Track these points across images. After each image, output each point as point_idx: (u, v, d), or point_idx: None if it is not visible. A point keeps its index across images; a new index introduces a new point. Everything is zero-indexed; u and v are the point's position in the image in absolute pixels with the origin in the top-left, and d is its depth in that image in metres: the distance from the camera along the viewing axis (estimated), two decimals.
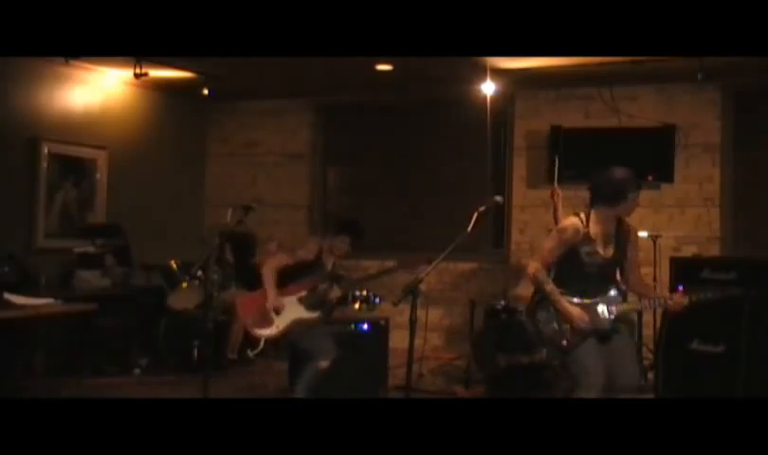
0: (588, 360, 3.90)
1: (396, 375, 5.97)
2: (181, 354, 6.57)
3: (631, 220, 4.10)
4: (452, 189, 8.04)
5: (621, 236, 4.02)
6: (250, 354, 5.49)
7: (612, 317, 3.95)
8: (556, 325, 3.97)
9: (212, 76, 7.44)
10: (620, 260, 4.03)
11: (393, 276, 5.29)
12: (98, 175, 7.64)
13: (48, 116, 7.16)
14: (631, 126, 7.18)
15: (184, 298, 6.71)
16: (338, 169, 8.91)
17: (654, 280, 6.23)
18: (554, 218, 6.27)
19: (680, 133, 7.07)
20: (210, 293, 5.33)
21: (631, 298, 4.11)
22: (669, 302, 4.03)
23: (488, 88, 7.02)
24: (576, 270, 3.96)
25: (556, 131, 7.31)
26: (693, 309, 3.98)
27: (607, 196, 3.93)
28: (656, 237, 6.36)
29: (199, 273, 6.47)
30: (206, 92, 7.94)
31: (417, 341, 3.93)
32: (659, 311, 5.42)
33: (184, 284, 6.75)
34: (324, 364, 4.83)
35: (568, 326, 3.93)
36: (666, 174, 7.01)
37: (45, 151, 7.08)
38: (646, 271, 5.68)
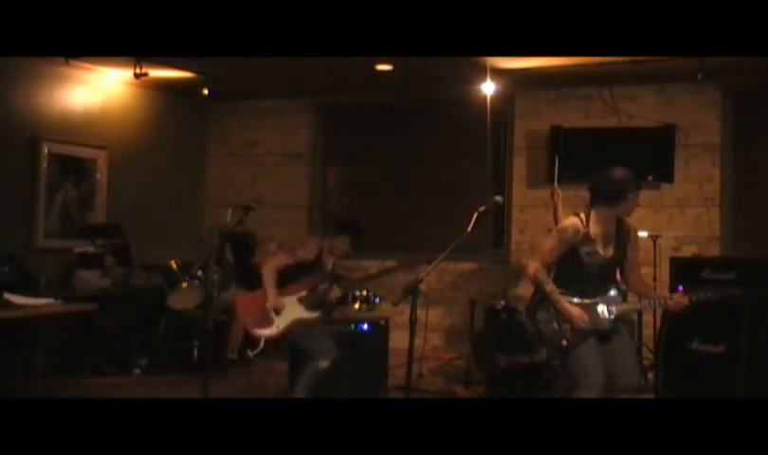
0: (588, 360, 3.90)
1: (396, 375, 5.96)
2: (181, 354, 6.57)
3: (631, 220, 4.10)
4: (452, 189, 8.04)
5: (621, 236, 4.02)
6: (250, 354, 5.48)
7: (612, 317, 3.95)
8: (556, 325, 3.97)
9: (212, 76, 7.43)
10: (620, 260, 4.03)
11: (393, 276, 5.29)
12: (98, 175, 7.64)
13: (48, 116, 7.16)
14: (631, 126, 7.18)
15: (184, 298, 6.71)
16: (338, 169, 8.91)
17: (654, 280, 6.23)
18: (554, 218, 6.27)
19: (680, 133, 7.07)
20: (210, 293, 5.34)
21: (631, 298, 4.11)
22: (669, 302, 4.03)
23: (488, 88, 7.02)
24: (576, 270, 3.96)
25: (556, 131, 7.31)
26: (693, 309, 3.98)
27: (607, 196, 3.94)
28: (656, 237, 6.36)
29: (199, 273, 6.48)
30: (206, 92, 7.93)
31: (417, 341, 3.93)
32: (659, 311, 5.42)
33: (184, 284, 6.75)
34: (324, 364, 4.83)
35: (568, 326, 3.93)
36: (666, 174, 7.01)
37: (45, 151, 7.08)
38: (646, 271, 5.68)
